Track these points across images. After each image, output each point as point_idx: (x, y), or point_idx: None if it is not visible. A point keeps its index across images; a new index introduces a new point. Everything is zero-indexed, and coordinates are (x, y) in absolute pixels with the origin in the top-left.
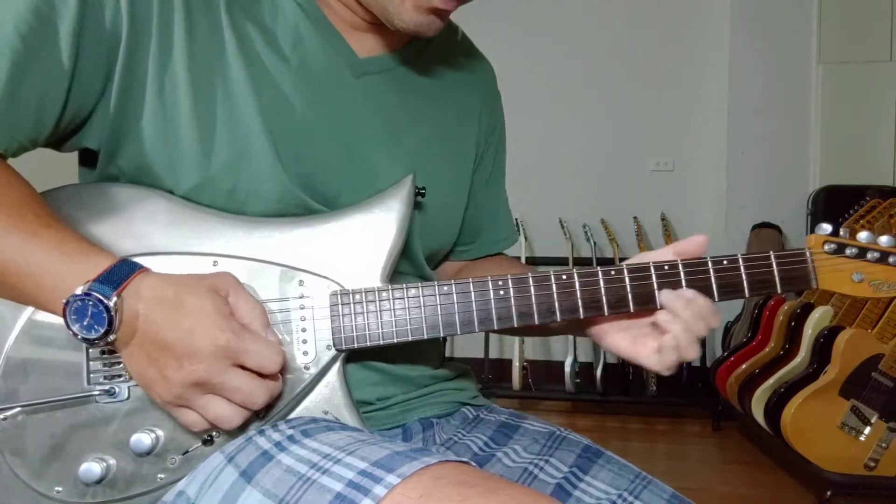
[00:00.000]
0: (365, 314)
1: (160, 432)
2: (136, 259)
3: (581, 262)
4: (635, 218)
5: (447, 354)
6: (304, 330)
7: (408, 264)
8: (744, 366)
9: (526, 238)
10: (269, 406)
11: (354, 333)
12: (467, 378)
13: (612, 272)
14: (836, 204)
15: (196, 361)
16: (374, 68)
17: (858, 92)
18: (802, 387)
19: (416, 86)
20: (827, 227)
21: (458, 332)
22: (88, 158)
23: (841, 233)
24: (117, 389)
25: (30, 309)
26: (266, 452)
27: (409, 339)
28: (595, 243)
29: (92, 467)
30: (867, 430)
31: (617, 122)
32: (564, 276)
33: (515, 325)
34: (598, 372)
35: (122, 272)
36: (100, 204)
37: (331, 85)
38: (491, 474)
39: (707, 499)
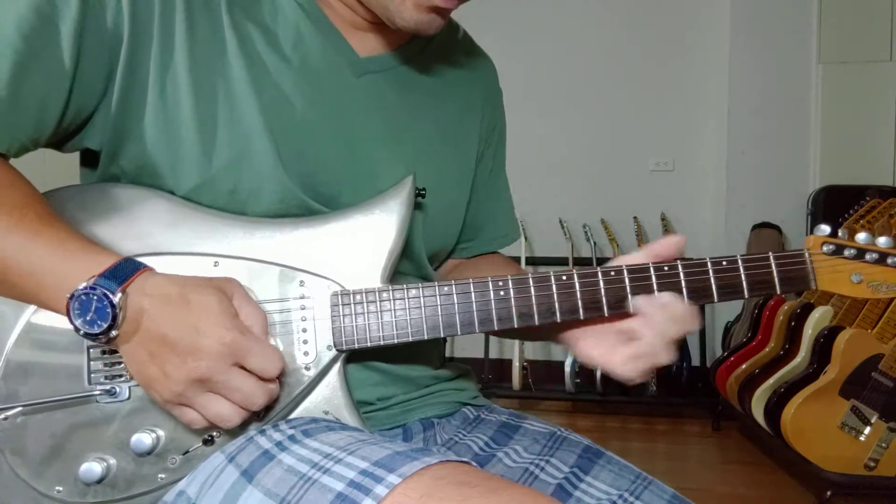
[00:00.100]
0: (365, 315)
1: (161, 432)
2: (138, 259)
3: (581, 262)
4: (635, 218)
5: (447, 354)
6: (304, 330)
7: (410, 265)
8: (744, 366)
9: (526, 238)
10: (269, 407)
11: (355, 334)
12: (468, 378)
13: (613, 273)
14: (836, 204)
15: (199, 358)
16: (375, 67)
17: (858, 92)
18: (802, 387)
19: (418, 84)
20: (826, 229)
21: (459, 333)
22: (90, 159)
23: (840, 234)
24: (118, 389)
25: (31, 308)
26: (267, 452)
27: (410, 339)
28: (595, 243)
29: (92, 467)
30: (867, 430)
31: (617, 122)
32: (565, 277)
33: (516, 326)
34: (598, 372)
35: (126, 269)
36: (101, 204)
37: (332, 84)
38: (492, 474)
39: (707, 499)
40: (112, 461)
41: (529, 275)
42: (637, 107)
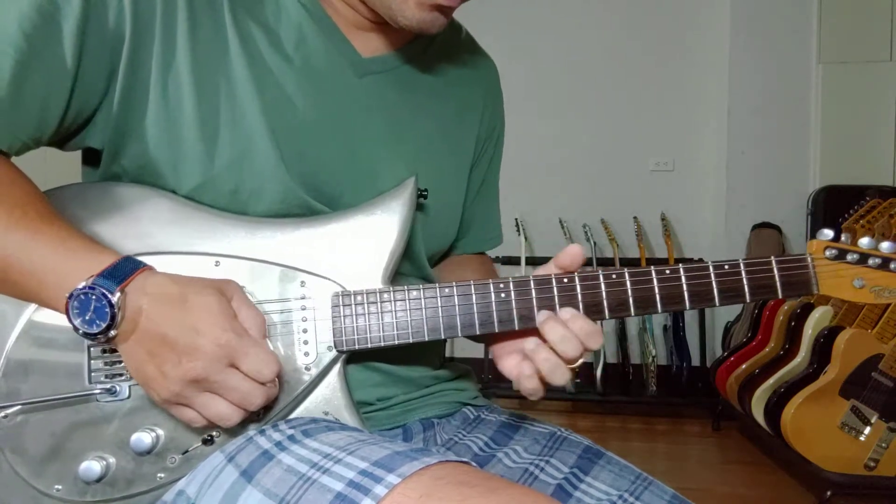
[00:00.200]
0: (366, 315)
1: (160, 431)
2: (139, 258)
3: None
4: (635, 218)
5: (448, 355)
6: (305, 331)
7: (410, 266)
8: (744, 366)
9: (526, 238)
10: (269, 407)
11: (356, 335)
12: (468, 378)
13: (614, 276)
14: (836, 204)
15: (195, 358)
16: (378, 68)
17: (858, 92)
18: (802, 387)
19: (419, 84)
20: (829, 233)
21: (459, 335)
22: (91, 157)
23: (842, 238)
24: (118, 388)
25: (32, 307)
26: (266, 452)
27: (410, 340)
28: (595, 243)
29: (92, 466)
30: (867, 430)
31: (617, 122)
32: (566, 280)
33: (517, 328)
34: (598, 372)
35: (126, 268)
36: (103, 203)
37: (334, 85)
38: (491, 474)
39: (707, 499)
40: (112, 460)
41: (531, 277)
42: (637, 107)
